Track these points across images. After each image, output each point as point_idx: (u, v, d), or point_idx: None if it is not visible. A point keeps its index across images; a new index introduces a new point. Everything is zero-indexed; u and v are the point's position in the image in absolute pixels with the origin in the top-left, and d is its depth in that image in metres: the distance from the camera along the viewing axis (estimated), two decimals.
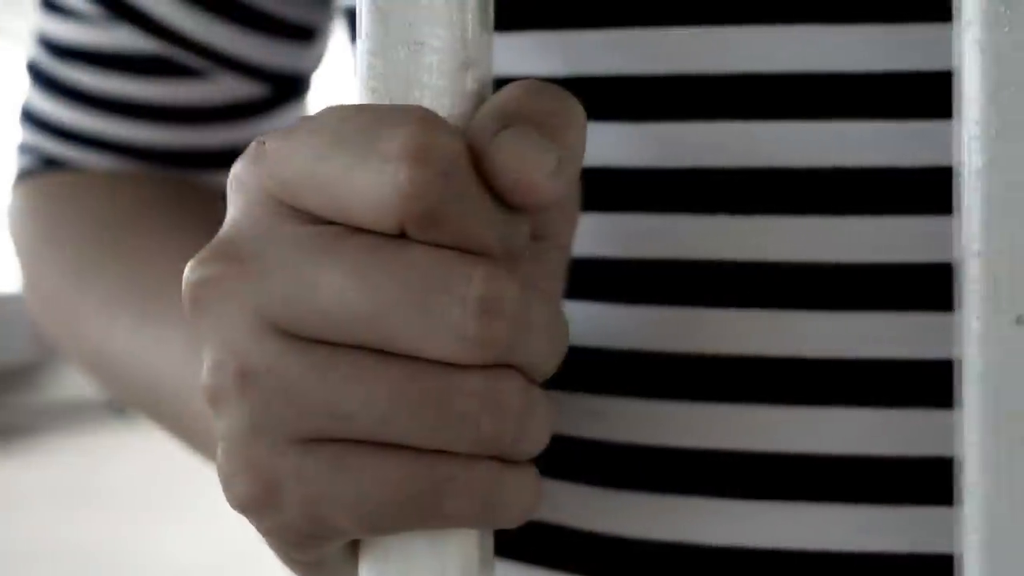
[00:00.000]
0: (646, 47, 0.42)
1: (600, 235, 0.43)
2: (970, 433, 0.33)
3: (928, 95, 0.40)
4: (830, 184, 0.41)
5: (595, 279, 0.43)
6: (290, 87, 0.56)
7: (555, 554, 0.45)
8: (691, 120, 0.42)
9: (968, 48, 0.32)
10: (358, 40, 0.34)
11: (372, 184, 0.31)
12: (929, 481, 0.41)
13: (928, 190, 0.41)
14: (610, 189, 0.43)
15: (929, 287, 0.41)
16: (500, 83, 0.36)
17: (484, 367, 0.32)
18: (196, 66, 0.53)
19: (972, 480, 0.33)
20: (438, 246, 0.31)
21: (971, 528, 0.33)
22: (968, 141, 0.32)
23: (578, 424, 0.44)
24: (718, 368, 0.42)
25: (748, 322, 0.42)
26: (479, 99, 0.34)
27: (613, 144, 0.42)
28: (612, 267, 0.43)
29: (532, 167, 0.31)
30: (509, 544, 0.45)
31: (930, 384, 0.41)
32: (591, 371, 0.43)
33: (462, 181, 0.31)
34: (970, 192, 0.32)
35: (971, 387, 0.33)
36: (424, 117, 0.31)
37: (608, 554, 0.43)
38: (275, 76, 0.54)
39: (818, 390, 0.41)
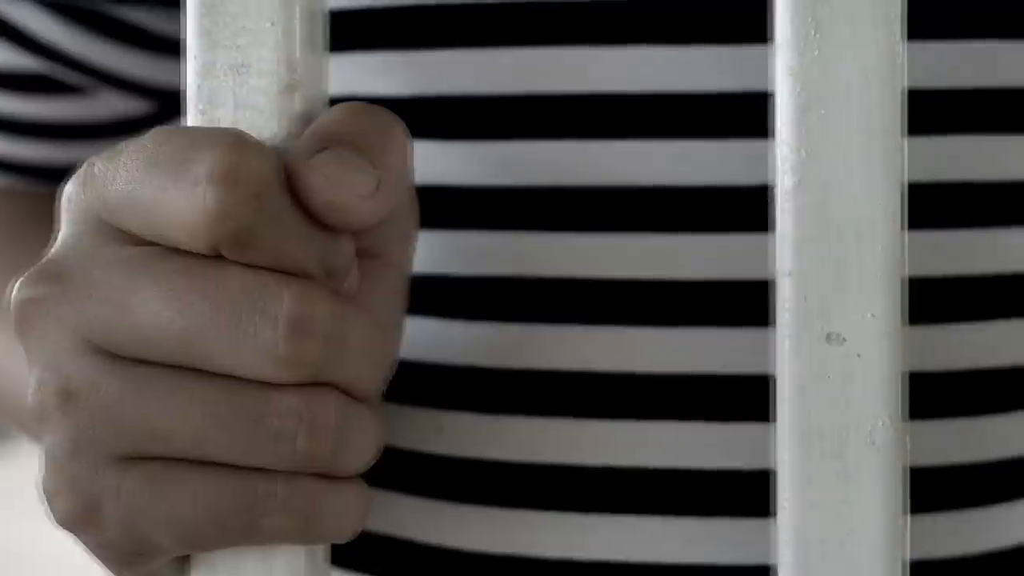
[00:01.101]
0: (487, 67, 0.42)
1: (441, 253, 0.44)
2: (782, 448, 0.33)
3: (763, 115, 0.41)
4: (666, 202, 0.42)
5: (436, 296, 0.44)
6: (178, 103, 0.56)
7: (398, 567, 0.45)
8: (531, 139, 0.42)
9: (779, 70, 0.33)
10: (186, 62, 0.35)
11: (183, 206, 0.31)
12: (756, 494, 0.42)
13: (762, 208, 0.41)
14: (450, 207, 0.43)
15: (758, 303, 0.41)
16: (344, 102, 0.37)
17: (300, 385, 0.32)
18: (77, 83, 0.54)
19: (784, 494, 0.33)
20: (256, 267, 0.32)
21: (783, 542, 0.33)
22: (779, 162, 0.33)
23: (420, 439, 0.44)
24: (555, 383, 0.43)
25: (583, 338, 0.42)
26: (307, 120, 0.35)
27: (454, 163, 0.43)
28: (453, 284, 0.44)
29: (347, 189, 0.32)
30: (352, 557, 0.46)
31: (756, 399, 0.42)
32: (433, 386, 0.44)
33: (273, 202, 0.32)
34: (781, 212, 0.33)
35: (783, 402, 0.33)
36: (235, 139, 0.32)
37: (449, 567, 0.44)
38: (160, 92, 0.55)
39: (650, 405, 0.42)
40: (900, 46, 0.33)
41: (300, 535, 0.33)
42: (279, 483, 0.32)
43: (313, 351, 0.32)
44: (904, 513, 0.33)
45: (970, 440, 0.44)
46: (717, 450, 0.42)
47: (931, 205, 0.43)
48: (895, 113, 0.32)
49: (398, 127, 0.34)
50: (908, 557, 0.34)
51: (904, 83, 0.33)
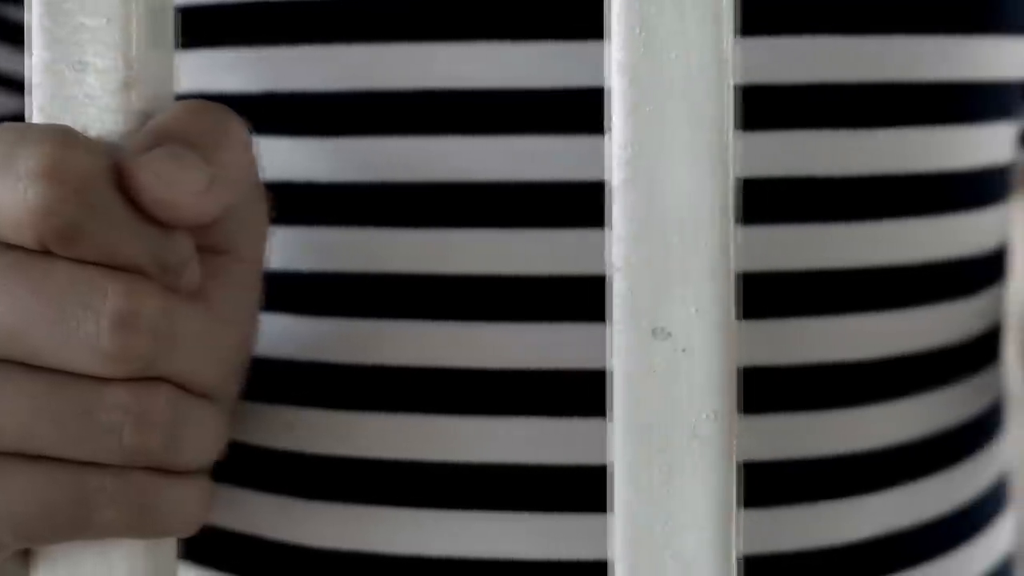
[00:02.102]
0: (335, 64, 0.42)
1: (291, 249, 0.44)
2: (614, 442, 0.33)
3: (601, 111, 0.41)
4: (512, 198, 0.42)
5: (286, 292, 0.44)
6: None
7: (251, 564, 0.45)
8: (379, 135, 0.42)
9: (611, 67, 0.33)
10: (27, 59, 0.35)
11: (8, 201, 0.32)
12: (597, 489, 0.42)
13: (600, 204, 0.42)
14: (300, 203, 0.43)
15: (598, 299, 0.42)
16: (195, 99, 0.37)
17: (130, 380, 0.32)
18: None
19: (616, 488, 0.33)
20: (85, 262, 0.32)
21: (615, 536, 0.33)
22: (610, 159, 0.33)
23: (271, 435, 0.45)
24: (403, 380, 0.43)
25: (431, 334, 0.43)
26: (147, 118, 0.35)
27: (304, 159, 0.43)
28: (303, 280, 0.44)
29: (177, 185, 0.32)
30: (205, 553, 0.46)
31: (596, 394, 0.42)
32: (283, 382, 0.44)
33: (100, 198, 0.32)
34: (611, 208, 0.33)
35: (614, 397, 0.33)
36: (62, 135, 0.32)
37: (300, 564, 0.44)
38: None
39: (497, 400, 0.42)
40: (727, 43, 0.33)
41: (133, 529, 0.33)
42: (109, 477, 0.33)
43: (140, 346, 0.32)
44: (734, 505, 0.33)
45: (819, 434, 0.44)
46: (561, 446, 0.42)
47: (779, 200, 0.43)
48: (722, 110, 0.33)
49: (235, 123, 0.34)
50: (741, 549, 0.34)
51: (731, 80, 0.33)
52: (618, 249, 0.33)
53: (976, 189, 0.47)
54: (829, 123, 0.43)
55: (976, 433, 0.49)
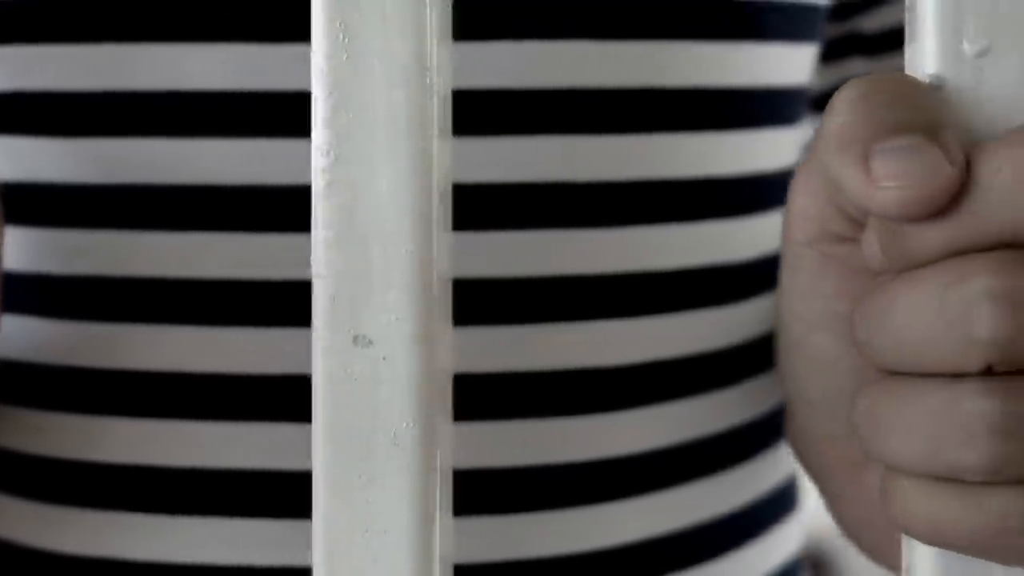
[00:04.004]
0: (80, 63, 0.42)
1: (37, 251, 0.43)
2: (315, 449, 0.33)
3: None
4: (254, 201, 0.42)
5: (33, 295, 0.44)
6: None
7: (2, 569, 0.45)
8: (123, 136, 0.42)
9: (313, 74, 0.33)
10: None
11: None
12: None
13: None
14: (45, 204, 0.43)
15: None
16: None
17: None
18: None
19: (317, 494, 0.33)
20: None
21: (315, 541, 0.33)
22: (313, 164, 0.33)
23: (20, 439, 0.44)
24: (149, 384, 0.43)
25: (176, 338, 0.42)
26: None
27: (49, 159, 0.43)
28: (49, 283, 0.44)
29: None
30: None
31: None
32: (31, 386, 0.44)
33: None
34: (314, 214, 0.33)
35: (315, 405, 0.33)
36: None
37: (49, 571, 0.44)
38: None
39: (239, 405, 0.42)
40: (432, 51, 0.33)
41: None
42: None
43: None
44: (436, 511, 0.33)
45: (567, 440, 0.44)
46: (303, 452, 0.42)
47: (526, 205, 0.43)
48: (424, 117, 0.33)
49: None
50: (448, 555, 0.34)
51: (438, 87, 0.33)
52: (319, 256, 0.33)
53: (741, 197, 0.47)
54: (578, 128, 0.43)
55: (750, 439, 0.50)
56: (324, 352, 0.33)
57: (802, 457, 0.41)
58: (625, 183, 0.44)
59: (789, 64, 0.49)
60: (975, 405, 0.30)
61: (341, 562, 0.33)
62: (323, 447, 0.33)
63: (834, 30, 0.55)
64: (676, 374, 0.46)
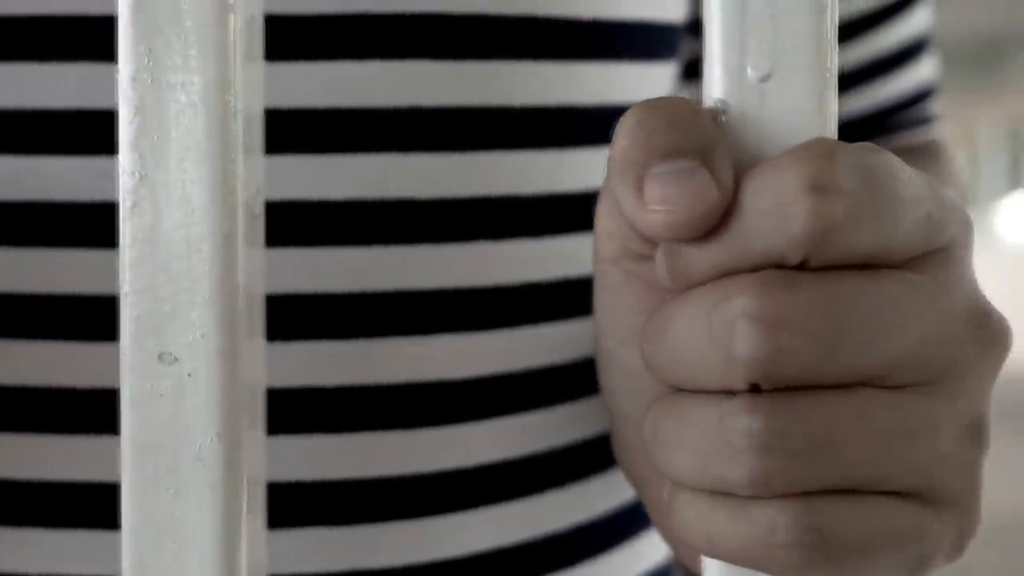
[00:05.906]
0: None
1: None
2: (124, 462, 0.34)
3: None
4: (92, 217, 0.43)
5: None
6: None
7: None
8: None
9: (119, 96, 0.34)
10: None
11: None
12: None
13: None
14: None
15: None
16: None
17: None
18: None
19: (125, 507, 0.34)
20: None
21: (124, 555, 0.34)
22: (120, 185, 0.34)
23: None
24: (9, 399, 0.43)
25: (18, 352, 0.43)
26: None
27: None
28: None
29: None
30: None
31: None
32: None
33: None
34: (121, 233, 0.34)
35: (123, 420, 0.34)
36: None
37: None
38: None
39: (82, 419, 0.43)
40: (234, 72, 0.34)
41: None
42: None
43: None
44: (242, 525, 0.34)
45: (414, 452, 0.45)
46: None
47: (369, 222, 0.44)
48: (226, 138, 0.33)
49: None
50: (259, 566, 0.35)
51: (242, 107, 0.34)
52: (125, 275, 0.34)
53: (587, 213, 0.48)
54: (421, 146, 0.44)
55: (604, 450, 0.50)
56: (130, 369, 0.34)
57: (624, 468, 0.42)
58: (468, 200, 0.45)
59: (641, 83, 0.49)
60: (739, 422, 0.31)
61: (147, 573, 0.34)
62: (131, 462, 0.34)
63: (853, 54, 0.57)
64: (523, 387, 0.47)
